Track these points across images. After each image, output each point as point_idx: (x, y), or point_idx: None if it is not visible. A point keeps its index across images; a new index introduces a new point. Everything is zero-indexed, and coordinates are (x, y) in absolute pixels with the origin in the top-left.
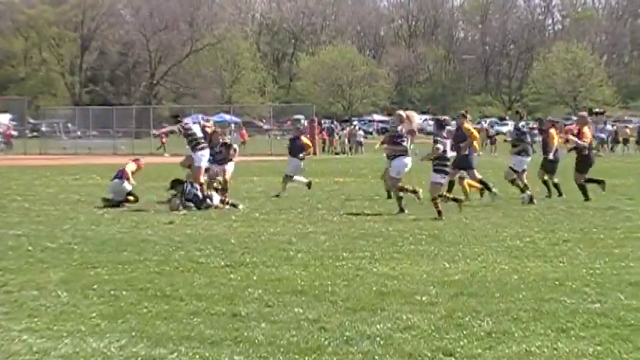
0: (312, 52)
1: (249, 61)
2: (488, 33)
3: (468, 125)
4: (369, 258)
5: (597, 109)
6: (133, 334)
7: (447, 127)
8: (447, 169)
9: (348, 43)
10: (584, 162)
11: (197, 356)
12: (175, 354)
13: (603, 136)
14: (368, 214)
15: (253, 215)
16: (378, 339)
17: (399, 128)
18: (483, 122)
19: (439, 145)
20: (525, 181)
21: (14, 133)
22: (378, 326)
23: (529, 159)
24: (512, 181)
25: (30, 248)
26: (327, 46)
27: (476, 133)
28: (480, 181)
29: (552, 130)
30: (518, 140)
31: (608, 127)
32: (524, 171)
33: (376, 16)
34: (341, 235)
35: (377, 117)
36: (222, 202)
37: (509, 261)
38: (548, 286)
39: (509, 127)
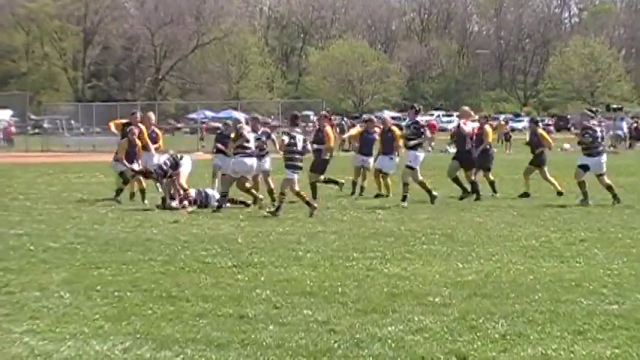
0: (321, 47)
1: (257, 55)
2: (503, 27)
3: (328, 129)
4: (380, 258)
5: (615, 105)
6: (138, 336)
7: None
8: (298, 164)
9: (359, 37)
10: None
11: (203, 359)
12: (181, 356)
13: (620, 133)
14: (379, 213)
15: (261, 214)
16: (389, 341)
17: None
18: (499, 118)
19: (284, 137)
20: (420, 178)
21: (14, 129)
22: (389, 328)
23: (423, 155)
24: (405, 184)
25: (32, 248)
26: (337, 40)
27: (332, 137)
28: (329, 180)
29: (487, 126)
30: (415, 135)
31: (624, 123)
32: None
33: (387, 10)
34: (351, 235)
35: (388, 113)
36: (232, 200)
37: (525, 261)
38: (565, 287)
39: (524, 123)
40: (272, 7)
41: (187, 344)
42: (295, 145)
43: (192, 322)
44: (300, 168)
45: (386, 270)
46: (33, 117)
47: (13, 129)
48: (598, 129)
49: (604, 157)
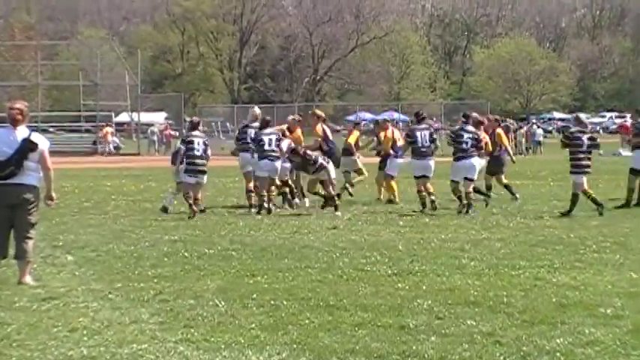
0: (486, 45)
1: (418, 55)
2: None
3: (298, 131)
4: (548, 267)
5: None
6: (295, 346)
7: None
8: (198, 168)
9: (526, 35)
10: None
11: None
12: None
13: None
14: (547, 220)
15: (423, 220)
16: (558, 354)
17: None
18: None
19: (180, 145)
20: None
21: (173, 132)
22: (557, 341)
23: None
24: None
25: (186, 254)
26: (503, 38)
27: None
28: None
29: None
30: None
31: None
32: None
33: (557, 6)
34: (517, 242)
35: (557, 114)
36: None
37: None
38: None
39: None
40: (435, 4)
41: (346, 355)
42: (197, 150)
43: (351, 333)
44: (197, 172)
45: (554, 279)
46: (188, 119)
47: (171, 132)
48: (465, 134)
49: (474, 161)
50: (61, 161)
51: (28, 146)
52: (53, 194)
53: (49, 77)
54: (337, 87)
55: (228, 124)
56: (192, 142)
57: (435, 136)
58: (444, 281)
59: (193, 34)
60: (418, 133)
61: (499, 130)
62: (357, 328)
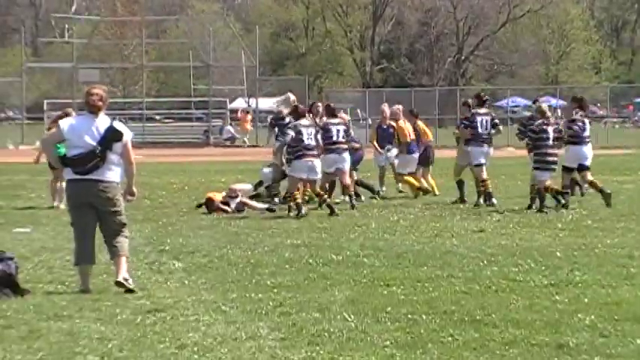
0: None
1: (580, 31)
2: None
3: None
4: None
5: None
6: None
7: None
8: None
9: None
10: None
11: None
12: None
13: None
14: None
15: (584, 222)
16: None
17: None
18: None
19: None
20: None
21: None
22: None
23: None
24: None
25: (311, 261)
26: None
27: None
28: None
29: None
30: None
31: None
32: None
33: None
34: None
35: None
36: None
37: None
38: None
39: None
40: None
41: None
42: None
43: (501, 352)
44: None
45: None
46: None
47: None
48: (478, 118)
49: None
50: (168, 154)
51: (113, 136)
52: (134, 189)
53: (155, 58)
54: (485, 68)
55: (359, 110)
56: (300, 133)
57: (496, 120)
58: (609, 293)
59: (319, 8)
60: (479, 119)
61: (419, 123)
62: (507, 347)
